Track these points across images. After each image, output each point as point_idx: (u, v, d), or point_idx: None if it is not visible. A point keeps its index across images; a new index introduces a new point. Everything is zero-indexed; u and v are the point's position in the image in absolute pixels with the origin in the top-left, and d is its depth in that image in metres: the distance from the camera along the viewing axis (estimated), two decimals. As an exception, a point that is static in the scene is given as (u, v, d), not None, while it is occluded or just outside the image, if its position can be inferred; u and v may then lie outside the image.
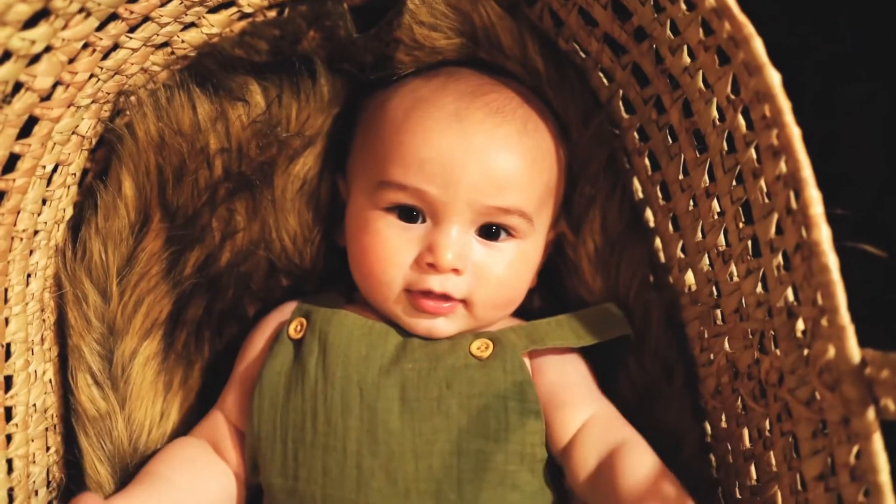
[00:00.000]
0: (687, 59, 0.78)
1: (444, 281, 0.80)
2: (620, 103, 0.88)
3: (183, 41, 0.86)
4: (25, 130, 0.72)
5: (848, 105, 1.02)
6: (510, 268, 0.83)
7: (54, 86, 0.72)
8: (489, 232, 0.82)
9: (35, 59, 0.68)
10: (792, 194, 0.66)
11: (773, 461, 0.73)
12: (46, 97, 0.72)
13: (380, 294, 0.83)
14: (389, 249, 0.81)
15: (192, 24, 0.85)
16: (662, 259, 0.89)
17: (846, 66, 1.04)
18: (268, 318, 0.88)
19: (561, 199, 0.89)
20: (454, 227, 0.80)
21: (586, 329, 0.84)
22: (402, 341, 0.82)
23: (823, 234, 0.62)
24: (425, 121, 0.81)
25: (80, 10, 0.70)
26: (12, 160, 0.72)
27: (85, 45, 0.74)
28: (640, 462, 0.73)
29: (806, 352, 0.66)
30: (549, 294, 0.94)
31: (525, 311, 0.93)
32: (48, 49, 0.68)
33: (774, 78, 0.65)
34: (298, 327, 0.83)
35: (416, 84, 0.85)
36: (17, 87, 0.68)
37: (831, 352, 0.62)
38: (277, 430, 0.80)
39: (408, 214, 0.81)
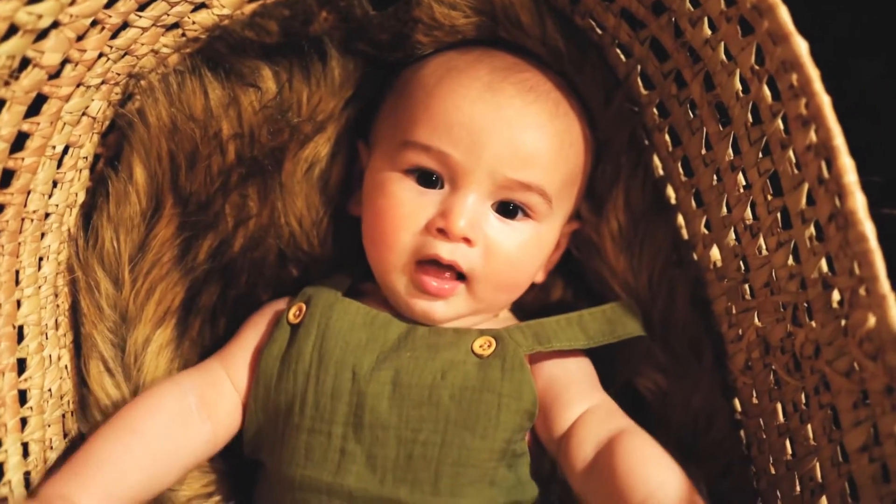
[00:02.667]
0: (708, 31, 0.77)
1: (454, 249, 0.78)
2: (639, 79, 0.87)
3: (193, 22, 0.84)
4: (34, 109, 0.70)
5: (866, 78, 1.01)
6: (522, 248, 0.81)
7: (63, 64, 0.71)
8: (507, 209, 0.80)
9: (42, 34, 0.66)
10: (823, 164, 0.65)
11: (812, 434, 0.72)
12: (55, 75, 0.71)
13: (386, 261, 0.81)
14: (402, 212, 0.80)
15: (203, 5, 0.84)
16: (685, 236, 0.88)
17: (864, 39, 1.03)
18: (280, 300, 0.87)
19: (583, 192, 0.87)
20: (472, 195, 0.78)
21: (597, 328, 0.82)
22: (405, 331, 0.80)
23: (859, 202, 0.61)
24: (458, 88, 0.80)
25: (89, -14, 0.68)
26: (21, 139, 0.70)
27: (94, 23, 0.72)
28: (640, 447, 0.70)
29: (844, 322, 0.65)
30: (570, 280, 0.93)
31: (544, 301, 0.93)
32: (56, 25, 0.67)
33: (802, 46, 0.64)
34: (297, 312, 0.81)
35: (451, 55, 0.85)
36: (25, 63, 0.66)
37: (872, 321, 0.61)
38: (270, 412, 0.79)
39: (427, 179, 0.80)
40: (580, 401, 0.77)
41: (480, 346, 0.78)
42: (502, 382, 0.76)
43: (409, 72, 0.86)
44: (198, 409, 0.79)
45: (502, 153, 0.78)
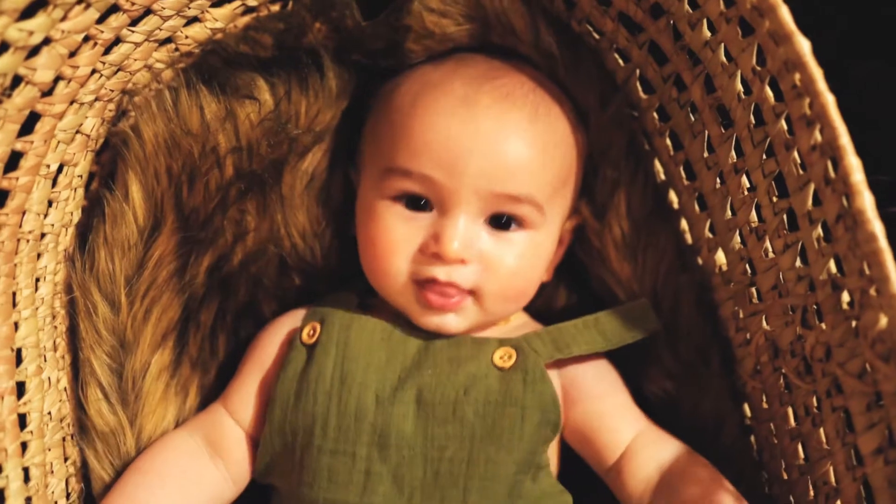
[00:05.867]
0: (707, 34, 0.76)
1: (451, 271, 0.78)
2: (638, 84, 0.86)
3: (186, 37, 0.83)
4: (28, 128, 0.69)
5: (864, 80, 1.01)
6: (521, 259, 0.80)
7: (56, 81, 0.70)
8: (499, 222, 0.79)
9: (34, 51, 0.66)
10: (829, 163, 0.64)
11: (825, 438, 0.71)
12: (48, 92, 0.70)
13: (387, 285, 0.81)
14: (394, 238, 0.79)
15: (196, 19, 0.83)
16: (689, 241, 0.87)
17: (862, 41, 1.03)
18: (279, 321, 0.86)
19: (579, 187, 0.86)
20: (461, 216, 0.77)
21: (614, 330, 0.82)
22: (423, 345, 0.80)
23: (867, 201, 0.60)
24: (432, 106, 0.79)
25: (80, 1, 0.68)
26: (15, 158, 0.69)
27: (86, 39, 0.71)
28: (700, 475, 0.74)
29: (854, 324, 0.64)
30: (574, 286, 0.92)
31: (550, 308, 0.92)
32: (47, 41, 0.66)
33: (804, 45, 0.63)
34: (311, 332, 0.80)
35: (426, 70, 0.84)
36: (17, 81, 0.65)
37: (883, 321, 0.60)
38: (287, 435, 0.78)
39: (415, 203, 0.79)
40: (625, 428, 0.80)
41: (501, 358, 0.78)
42: (525, 395, 0.76)
43: (386, 91, 0.85)
44: (208, 452, 0.80)
45: (485, 169, 0.76)
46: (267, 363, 0.83)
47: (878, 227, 0.59)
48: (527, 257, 0.80)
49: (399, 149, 0.79)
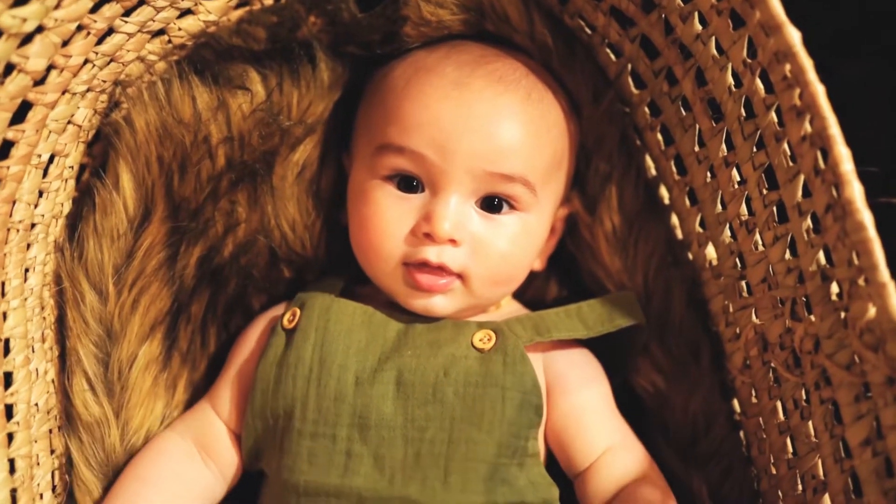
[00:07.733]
0: (699, 27, 0.77)
1: (441, 252, 0.78)
2: (629, 78, 0.86)
3: (179, 29, 0.83)
4: (19, 117, 0.69)
5: (852, 81, 1.01)
6: (512, 242, 0.80)
7: (48, 70, 0.70)
8: (491, 204, 0.79)
9: (27, 39, 0.65)
10: (819, 154, 0.64)
11: (813, 431, 0.71)
12: (40, 81, 0.70)
13: (377, 268, 0.81)
14: (386, 219, 0.79)
15: (189, 11, 0.83)
16: (680, 235, 0.87)
17: (850, 41, 1.03)
18: (263, 317, 0.86)
19: (571, 175, 0.87)
20: (453, 196, 0.78)
21: (596, 318, 0.82)
22: (404, 328, 0.80)
23: (856, 191, 0.60)
24: (425, 87, 0.79)
25: (73, -10, 0.68)
26: (6, 147, 0.69)
27: (79, 28, 0.71)
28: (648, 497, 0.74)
29: (843, 314, 0.64)
30: (565, 280, 0.92)
31: (540, 300, 0.92)
32: (41, 29, 0.66)
33: (795, 36, 0.64)
34: (291, 317, 0.80)
35: (420, 55, 0.84)
36: (9, 69, 0.65)
37: (872, 311, 0.60)
38: (268, 419, 0.78)
39: (407, 184, 0.79)
40: (598, 438, 0.79)
41: (480, 340, 0.78)
42: (504, 376, 0.76)
43: (380, 76, 0.85)
44: (199, 454, 0.81)
45: (477, 148, 0.77)
46: (251, 359, 0.83)
47: (866, 216, 0.59)
48: (518, 240, 0.80)
49: (392, 127, 0.79)
